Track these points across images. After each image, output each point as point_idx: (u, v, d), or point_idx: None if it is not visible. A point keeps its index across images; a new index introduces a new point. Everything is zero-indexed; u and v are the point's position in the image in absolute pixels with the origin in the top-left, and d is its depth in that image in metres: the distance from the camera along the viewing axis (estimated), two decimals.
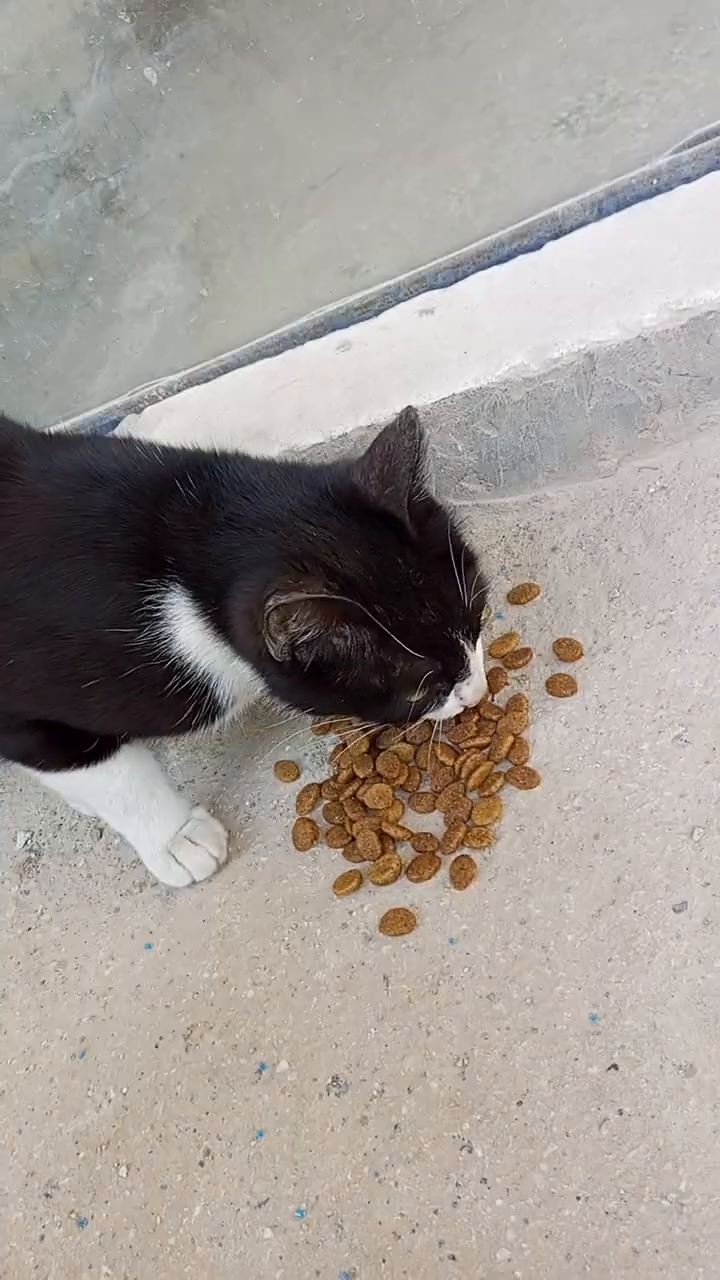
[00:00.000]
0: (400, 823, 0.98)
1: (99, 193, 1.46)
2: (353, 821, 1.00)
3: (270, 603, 0.77)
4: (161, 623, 0.88)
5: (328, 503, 0.85)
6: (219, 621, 0.88)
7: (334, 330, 1.38)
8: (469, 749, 0.99)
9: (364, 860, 0.98)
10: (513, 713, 0.99)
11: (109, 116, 1.34)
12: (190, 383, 1.48)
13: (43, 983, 1.08)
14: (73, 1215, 0.89)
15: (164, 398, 1.50)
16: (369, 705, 0.87)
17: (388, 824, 0.98)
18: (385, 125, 1.32)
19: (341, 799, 1.02)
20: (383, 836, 0.97)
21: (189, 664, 0.90)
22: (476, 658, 0.88)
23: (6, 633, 0.93)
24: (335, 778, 1.05)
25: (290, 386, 1.33)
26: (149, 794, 1.06)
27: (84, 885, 1.14)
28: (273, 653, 0.81)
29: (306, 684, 0.85)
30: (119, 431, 1.51)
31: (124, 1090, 0.95)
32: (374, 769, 1.01)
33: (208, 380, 1.46)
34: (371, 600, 0.81)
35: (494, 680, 1.04)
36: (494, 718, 1.00)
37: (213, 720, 0.97)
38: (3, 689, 0.97)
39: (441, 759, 0.99)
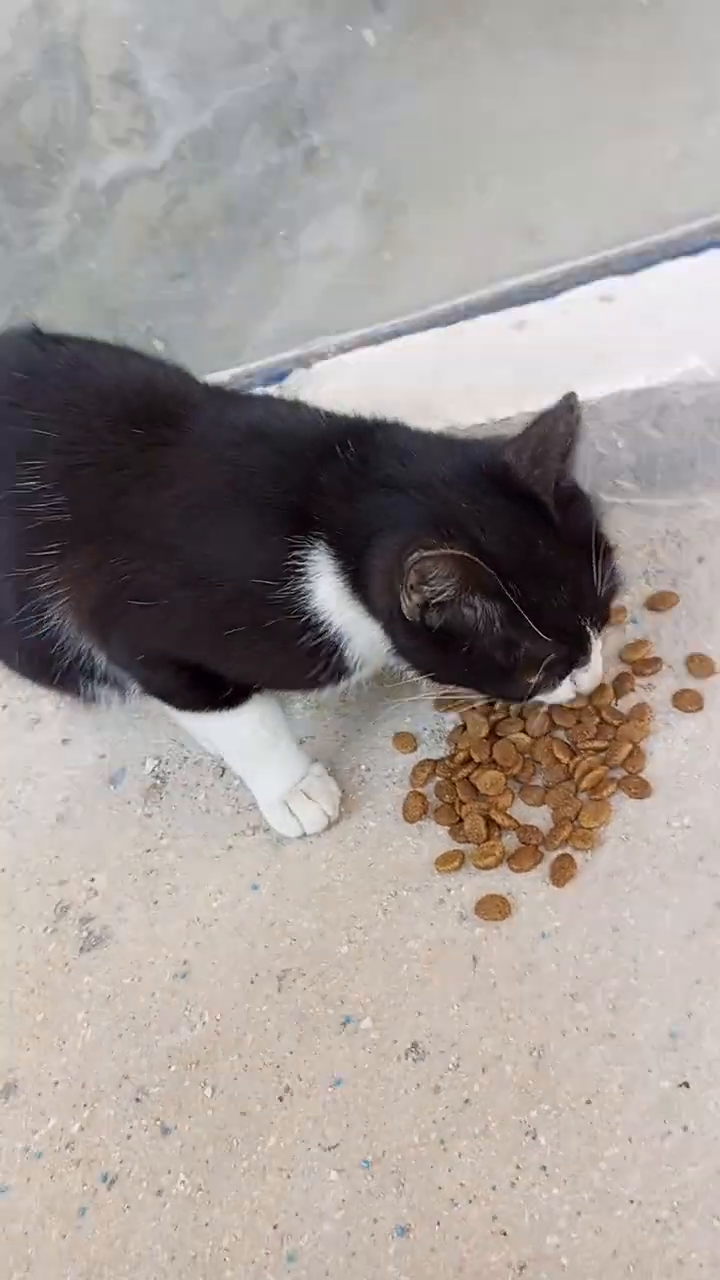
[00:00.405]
0: (509, 811, 1.01)
1: (298, 145, 1.48)
2: (463, 803, 1.03)
3: (412, 558, 0.80)
4: (304, 578, 0.92)
5: (479, 476, 0.87)
6: (356, 580, 0.91)
7: (511, 306, 1.37)
8: (586, 750, 1.00)
9: (469, 842, 1.01)
10: (634, 720, 1.00)
11: (321, 73, 1.35)
12: (362, 342, 1.49)
13: (155, 902, 1.16)
14: (158, 1122, 0.97)
15: (334, 355, 1.52)
16: (488, 678, 0.89)
17: (496, 811, 1.00)
18: (590, 94, 1.29)
19: (455, 779, 1.05)
20: (490, 822, 1.00)
21: (324, 621, 0.94)
22: (598, 647, 0.90)
23: (165, 575, 0.98)
24: (452, 757, 1.08)
25: (460, 361, 1.33)
26: (272, 745, 1.11)
27: (202, 819, 1.21)
28: (405, 610, 0.84)
29: (433, 647, 0.88)
30: (288, 383, 1.54)
31: (218, 1017, 1.02)
32: (490, 755, 1.03)
33: (379, 342, 1.48)
34: (508, 576, 0.83)
35: (620, 685, 1.04)
36: (615, 723, 1.01)
37: (339, 680, 1.00)
38: (154, 629, 1.03)
39: (558, 755, 1.01)
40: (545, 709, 1.05)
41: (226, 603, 0.96)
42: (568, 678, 0.90)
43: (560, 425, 0.85)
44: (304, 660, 0.97)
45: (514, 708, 1.07)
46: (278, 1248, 0.85)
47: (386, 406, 1.32)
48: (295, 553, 0.92)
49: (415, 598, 0.83)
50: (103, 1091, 1.02)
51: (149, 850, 1.22)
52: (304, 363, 1.55)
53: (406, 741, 1.13)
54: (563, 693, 0.91)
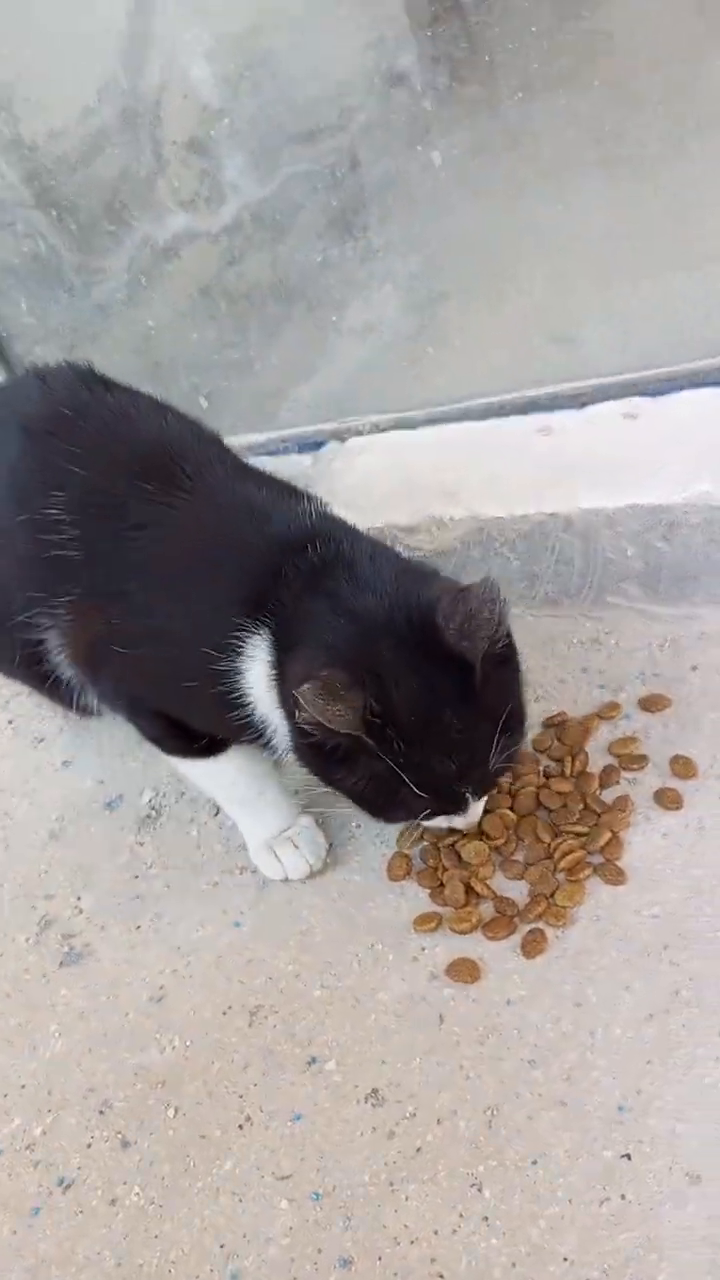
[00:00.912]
0: (489, 881, 1.07)
1: (352, 228, 1.56)
2: (446, 869, 1.09)
3: (303, 687, 0.85)
4: (240, 657, 0.98)
5: (414, 624, 0.91)
6: (280, 675, 0.97)
7: (539, 411, 1.46)
8: (568, 832, 1.07)
9: (447, 906, 1.06)
10: (616, 811, 1.07)
11: (388, 183, 1.46)
12: (396, 425, 1.58)
13: (138, 927, 1.20)
14: (119, 1135, 1.01)
15: (368, 432, 1.61)
16: (365, 804, 0.96)
17: (476, 880, 1.06)
18: (637, 217, 1.39)
19: (440, 845, 1.11)
20: (469, 890, 1.06)
21: (251, 703, 1.00)
22: (476, 806, 0.96)
23: (144, 627, 1.06)
24: None
25: (487, 456, 1.42)
26: (258, 792, 1.17)
27: (192, 853, 1.27)
28: (297, 717, 0.90)
29: (320, 762, 0.95)
30: (324, 453, 1.63)
31: (188, 1043, 1.06)
32: (479, 826, 1.09)
33: (413, 427, 1.57)
34: (400, 735, 0.88)
35: (606, 777, 1.11)
36: (598, 811, 1.08)
37: (280, 752, 1.05)
38: (133, 675, 1.11)
39: (540, 835, 1.08)
40: (538, 789, 1.12)
41: (184, 662, 1.03)
42: (444, 817, 0.97)
43: (484, 611, 0.87)
44: (242, 731, 1.03)
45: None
46: (222, 1266, 0.88)
47: (414, 489, 1.41)
48: (238, 633, 0.98)
49: (304, 717, 0.87)
50: (68, 1100, 1.06)
51: (137, 876, 1.27)
52: (340, 436, 1.64)
53: None
54: (437, 824, 0.99)
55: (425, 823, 0.99)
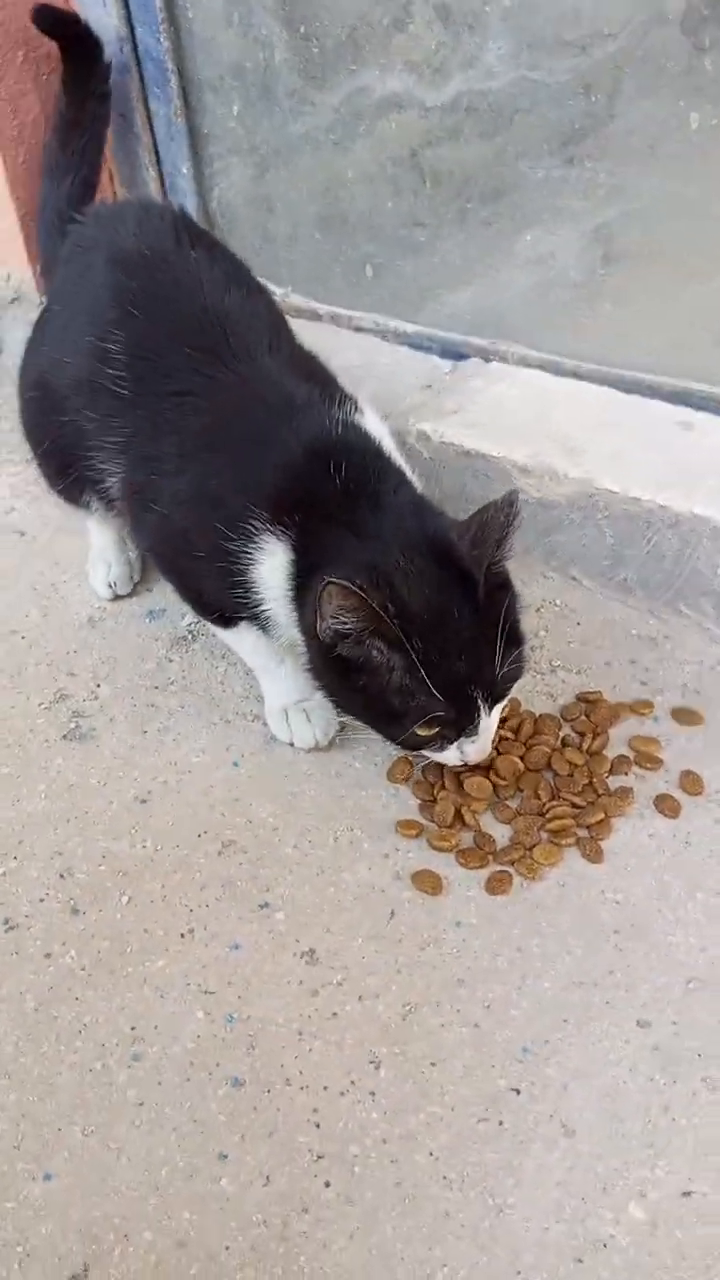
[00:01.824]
0: (479, 815, 1.12)
1: (565, 150, 1.52)
2: (444, 789, 1.14)
3: (328, 589, 0.92)
4: (255, 548, 1.05)
5: (425, 543, 1.00)
6: (299, 594, 1.04)
7: (686, 404, 1.46)
8: (566, 800, 1.12)
9: (433, 822, 1.12)
10: (617, 798, 1.12)
11: (630, 125, 1.43)
12: (542, 365, 1.58)
13: (144, 732, 1.26)
14: (72, 902, 1.08)
15: (514, 363, 1.61)
16: (380, 717, 1.02)
17: (468, 809, 1.12)
18: None
19: (445, 769, 1.16)
20: (458, 815, 1.11)
21: (259, 593, 1.08)
22: (488, 722, 1.01)
23: (170, 490, 1.13)
24: None
25: (621, 430, 1.43)
26: (278, 661, 1.21)
27: (214, 687, 1.32)
28: (319, 629, 0.96)
29: (336, 672, 1.01)
30: (464, 366, 1.63)
31: (159, 848, 1.13)
32: (490, 764, 1.14)
33: (558, 374, 1.57)
34: (417, 632, 0.95)
35: (619, 765, 1.16)
36: (600, 792, 1.13)
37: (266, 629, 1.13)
38: (159, 532, 1.18)
39: (539, 792, 1.13)
40: (552, 751, 1.16)
41: (200, 533, 1.09)
42: (455, 744, 1.02)
43: (500, 516, 0.97)
44: (245, 608, 1.11)
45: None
46: (128, 1045, 0.96)
47: (541, 434, 1.42)
48: (254, 523, 1.05)
49: (328, 620, 0.95)
50: (35, 855, 1.13)
51: (157, 687, 1.32)
52: (486, 356, 1.63)
53: None
54: (449, 756, 1.04)
55: (440, 755, 1.04)
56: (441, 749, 1.03)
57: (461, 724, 1.00)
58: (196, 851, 1.12)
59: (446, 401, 1.55)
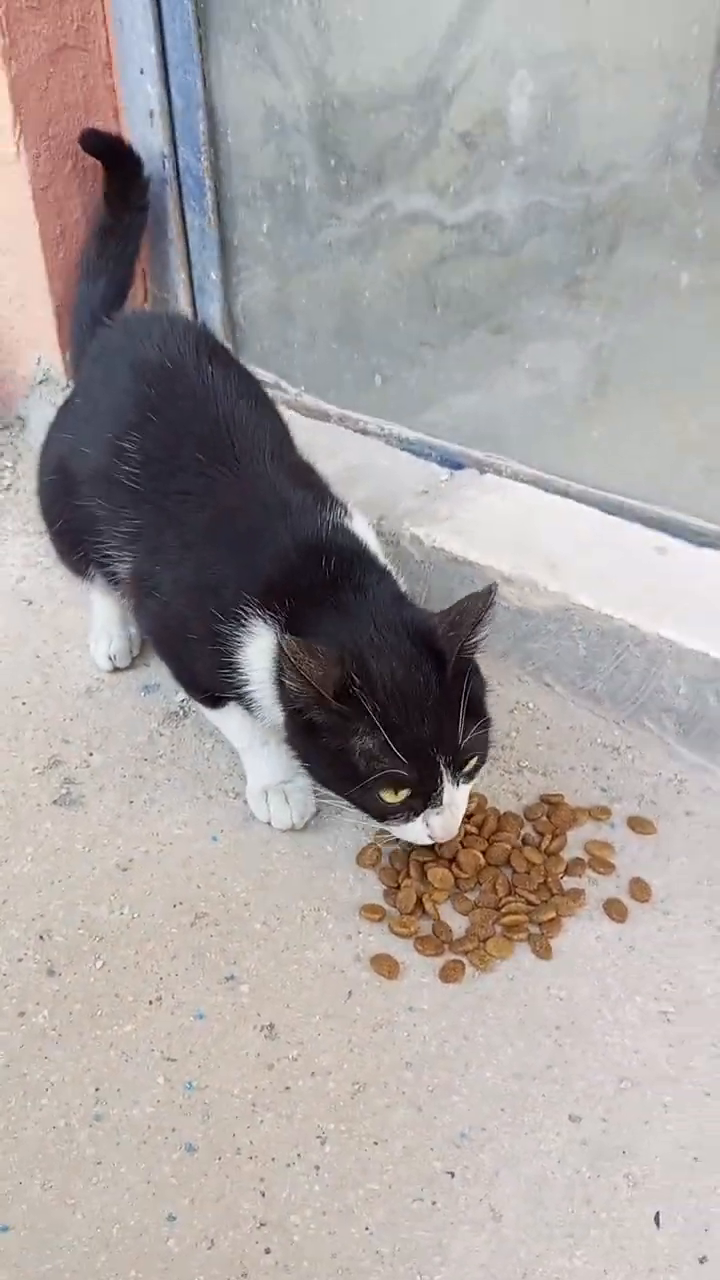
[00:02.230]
0: (439, 905, 1.19)
1: (571, 269, 1.63)
2: (408, 877, 1.21)
3: (290, 641, 1.01)
4: (245, 631, 1.14)
5: (398, 623, 1.09)
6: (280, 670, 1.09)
7: (663, 530, 1.56)
8: (521, 896, 1.19)
9: (395, 908, 1.19)
10: (569, 899, 1.19)
11: (630, 251, 1.54)
12: (535, 482, 1.69)
13: (131, 802, 1.34)
14: (49, 963, 1.14)
15: (506, 476, 1.71)
16: (346, 780, 1.07)
17: (429, 899, 1.19)
18: None
19: (411, 856, 1.23)
20: (419, 903, 1.18)
21: (245, 674, 1.16)
22: (454, 795, 1.07)
23: (169, 577, 1.23)
24: None
25: (602, 549, 1.53)
26: (262, 741, 1.30)
27: (200, 763, 1.40)
28: (289, 691, 1.04)
29: (308, 739, 1.08)
30: (460, 475, 1.74)
31: (135, 915, 1.19)
32: (454, 856, 1.22)
33: (549, 492, 1.67)
34: (381, 695, 1.02)
35: (574, 866, 1.23)
36: (554, 891, 1.20)
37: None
38: (159, 620, 1.27)
39: (497, 887, 1.20)
40: (512, 848, 1.23)
41: (196, 618, 1.18)
42: (421, 817, 1.07)
43: (478, 604, 1.06)
44: (233, 690, 1.19)
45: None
46: (91, 1105, 1.02)
47: (525, 547, 1.52)
48: (245, 608, 1.14)
49: (292, 683, 1.02)
50: (18, 916, 1.19)
51: (147, 759, 1.40)
52: (481, 466, 1.74)
53: None
54: (414, 830, 1.09)
55: (406, 829, 1.10)
56: (408, 820, 1.08)
57: (426, 788, 1.05)
58: (170, 921, 1.18)
59: (440, 508, 1.65)
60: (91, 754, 1.40)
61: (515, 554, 1.52)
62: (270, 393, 1.89)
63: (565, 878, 1.22)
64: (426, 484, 1.73)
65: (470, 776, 1.10)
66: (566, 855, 1.24)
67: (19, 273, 1.83)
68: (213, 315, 1.91)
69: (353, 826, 1.29)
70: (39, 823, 1.30)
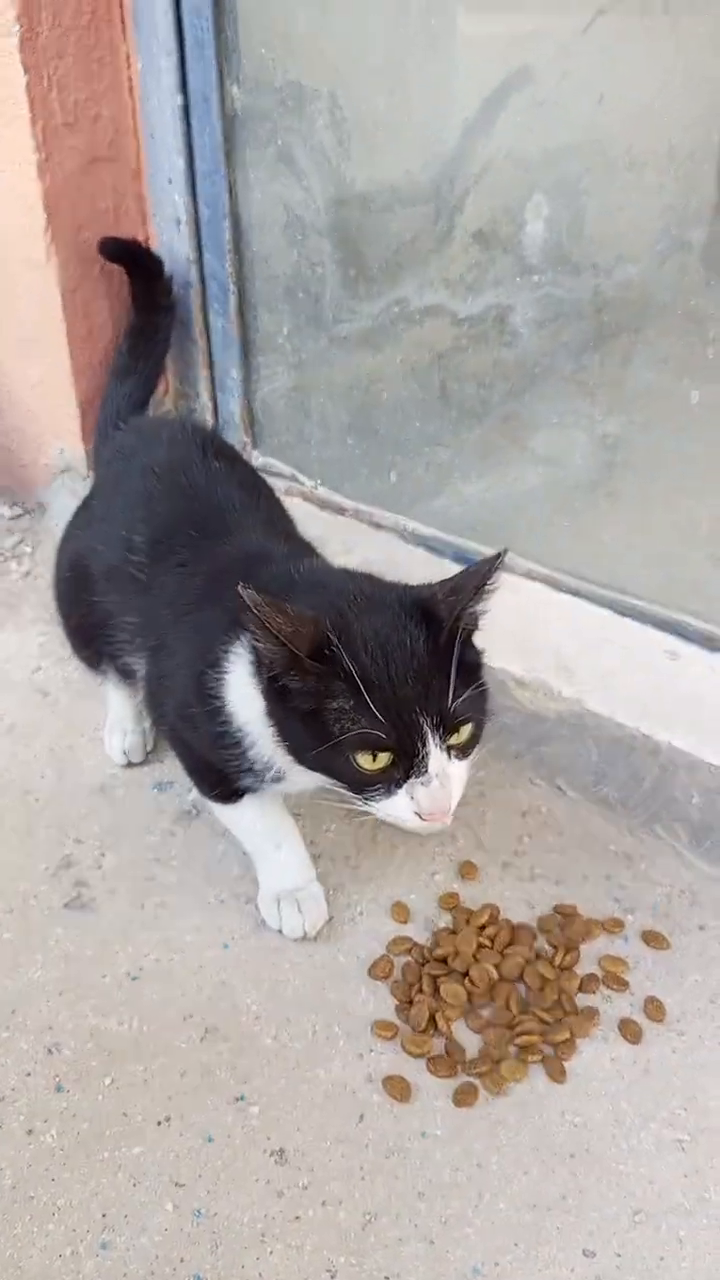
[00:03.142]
0: (452, 1022, 1.18)
1: (579, 358, 1.65)
2: (420, 992, 1.20)
3: (254, 595, 0.94)
4: (224, 670, 1.12)
5: (390, 593, 1.05)
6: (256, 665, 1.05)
7: (675, 634, 1.57)
8: (535, 1015, 1.17)
9: (408, 1025, 1.18)
10: (583, 1018, 1.18)
11: (636, 342, 1.57)
12: (547, 581, 1.70)
13: (142, 906, 1.33)
14: (57, 1079, 1.13)
15: (520, 574, 1.73)
16: (318, 740, 0.98)
17: (443, 1015, 1.17)
18: None
19: (424, 970, 1.22)
20: (433, 1020, 1.17)
21: (233, 713, 1.12)
22: (443, 764, 0.97)
23: (169, 656, 1.23)
24: (431, 950, 1.25)
25: (614, 652, 1.54)
26: (274, 845, 1.29)
27: (212, 863, 1.40)
28: (261, 655, 1.00)
29: (278, 703, 1.02)
30: None
31: (145, 1028, 1.18)
32: (467, 971, 1.21)
33: (560, 591, 1.69)
34: (360, 650, 0.96)
35: (587, 982, 1.22)
36: (568, 1009, 1.19)
37: (263, 780, 1.15)
38: (167, 707, 1.26)
39: (510, 1005, 1.19)
40: (526, 963, 1.23)
41: (189, 687, 1.17)
42: (405, 788, 0.97)
43: (484, 568, 1.01)
44: (228, 751, 1.15)
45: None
46: (98, 1232, 1.00)
47: (538, 649, 1.53)
48: (224, 648, 1.12)
49: (262, 645, 0.97)
50: (26, 1028, 1.18)
51: (159, 860, 1.40)
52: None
53: (401, 913, 1.31)
54: (399, 805, 0.98)
55: (388, 806, 0.99)
56: (389, 792, 0.98)
57: (407, 752, 0.96)
58: (180, 1035, 1.17)
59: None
60: (103, 854, 1.40)
61: (528, 656, 1.53)
62: (286, 485, 1.95)
63: (579, 994, 1.21)
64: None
65: (465, 750, 1.00)
66: (580, 970, 1.23)
67: (46, 368, 1.87)
68: (233, 410, 1.95)
69: (367, 934, 1.28)
70: (50, 928, 1.30)
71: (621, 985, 1.22)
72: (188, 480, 1.34)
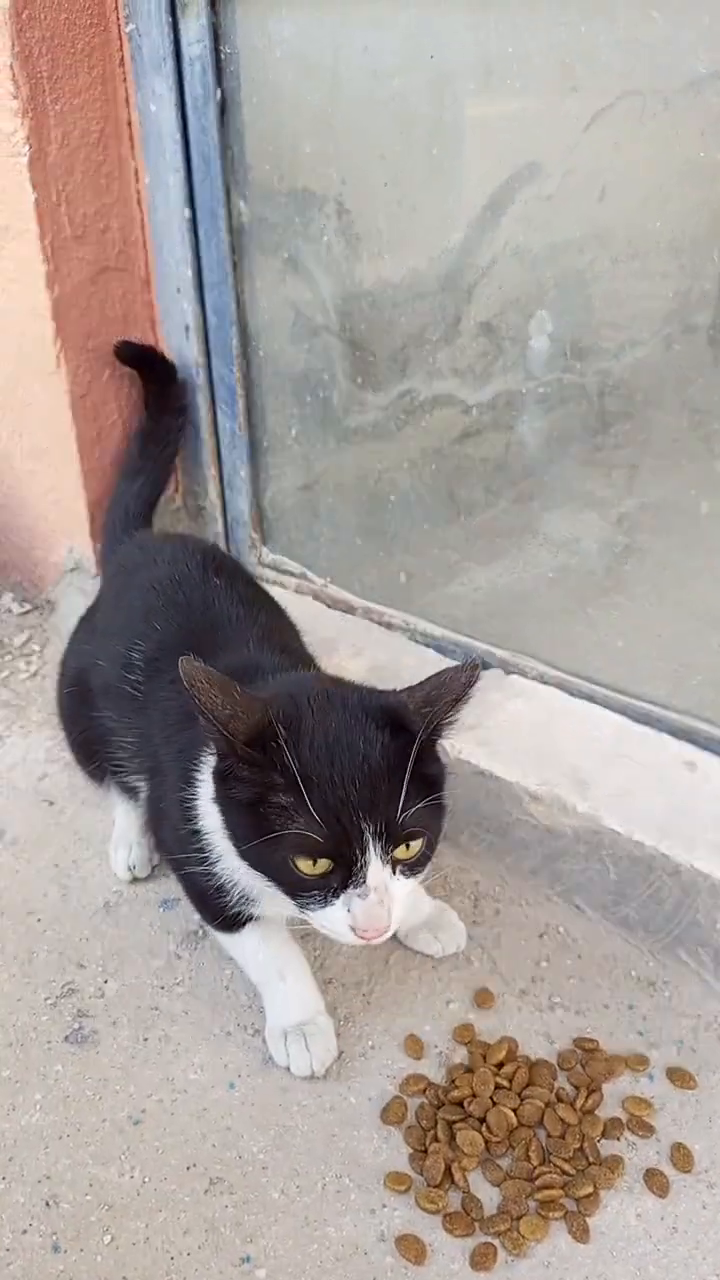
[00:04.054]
0: (468, 1173, 1.12)
1: (590, 441, 1.65)
2: (435, 1139, 1.14)
3: (192, 668, 0.92)
4: (197, 777, 1.09)
5: (353, 696, 1.01)
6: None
7: (693, 742, 1.53)
8: (556, 1165, 1.12)
9: (422, 1176, 1.12)
10: (607, 1168, 1.12)
11: (646, 424, 1.56)
12: (560, 685, 1.67)
13: (145, 1040, 1.28)
14: (54, 1237, 1.08)
15: (533, 677, 1.70)
16: (254, 832, 0.95)
17: (459, 1166, 1.12)
18: None
19: (439, 1114, 1.17)
20: (448, 1173, 1.11)
21: (201, 825, 1.08)
22: (383, 878, 0.92)
23: (160, 778, 1.21)
24: (446, 1091, 1.20)
25: (630, 764, 1.50)
26: (279, 975, 1.24)
27: (219, 991, 1.35)
28: (207, 737, 0.97)
29: (227, 798, 0.99)
30: (485, 677, 1.72)
31: (146, 1179, 1.13)
32: (484, 1117, 1.15)
33: (574, 696, 1.65)
34: (305, 755, 0.92)
35: (611, 1127, 1.16)
36: (591, 1159, 1.13)
37: (237, 905, 1.13)
38: (163, 833, 1.24)
39: (530, 1154, 1.13)
40: (546, 1106, 1.17)
41: (173, 806, 1.14)
42: (341, 899, 0.93)
43: (461, 678, 0.97)
44: (203, 874, 1.12)
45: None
46: None
47: (552, 760, 1.49)
48: (198, 761, 1.09)
49: (203, 721, 0.93)
50: (23, 1177, 1.13)
51: (163, 987, 1.35)
52: (506, 666, 1.73)
53: (415, 1047, 1.26)
54: (335, 917, 0.94)
55: (324, 916, 0.95)
56: (325, 902, 0.94)
57: (345, 860, 0.92)
58: (183, 1188, 1.12)
59: (466, 714, 1.63)
60: (106, 980, 1.36)
61: (541, 768, 1.50)
62: (296, 582, 1.93)
63: (602, 1140, 1.15)
64: None
65: (413, 869, 0.96)
66: (603, 1113, 1.18)
67: (56, 470, 1.88)
68: (241, 508, 1.94)
69: (379, 1072, 1.23)
70: (49, 1064, 1.25)
71: (647, 1131, 1.16)
72: (185, 597, 1.33)
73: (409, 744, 0.95)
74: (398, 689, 1.05)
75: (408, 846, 0.95)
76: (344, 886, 0.93)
